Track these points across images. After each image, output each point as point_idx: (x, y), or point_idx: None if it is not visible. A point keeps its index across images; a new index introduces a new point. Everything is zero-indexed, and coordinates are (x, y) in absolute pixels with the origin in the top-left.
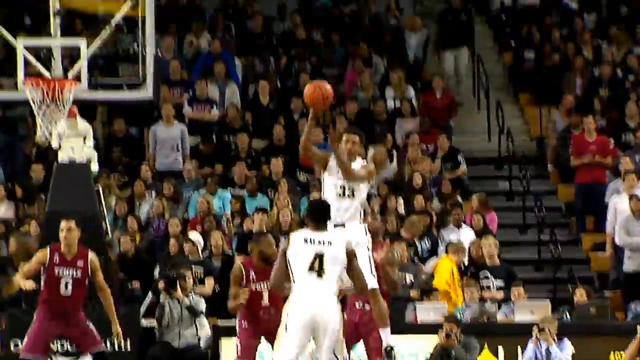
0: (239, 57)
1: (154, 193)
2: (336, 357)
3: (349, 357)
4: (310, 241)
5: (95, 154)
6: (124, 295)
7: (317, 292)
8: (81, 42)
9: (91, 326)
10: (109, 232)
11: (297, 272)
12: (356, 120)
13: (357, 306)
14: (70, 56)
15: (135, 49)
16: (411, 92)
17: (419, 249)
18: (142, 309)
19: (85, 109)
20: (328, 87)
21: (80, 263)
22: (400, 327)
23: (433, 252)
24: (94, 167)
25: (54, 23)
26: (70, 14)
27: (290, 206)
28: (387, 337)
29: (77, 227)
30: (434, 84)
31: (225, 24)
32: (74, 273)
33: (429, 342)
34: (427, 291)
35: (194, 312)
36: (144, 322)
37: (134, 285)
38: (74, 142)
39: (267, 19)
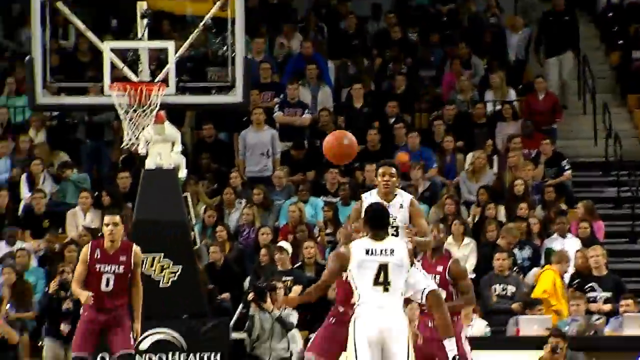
0: (332, 59)
1: (243, 201)
2: None
3: None
4: (372, 252)
5: (184, 160)
6: (213, 306)
7: (384, 308)
8: (169, 45)
9: (130, 328)
10: (198, 241)
11: (362, 287)
12: (454, 125)
13: (428, 324)
14: (158, 59)
15: (224, 52)
16: (512, 94)
17: (519, 259)
18: (232, 321)
19: (173, 113)
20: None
21: (122, 258)
22: (502, 341)
23: (534, 262)
24: (182, 173)
25: (141, 25)
26: (157, 15)
27: None
28: (451, 346)
29: (122, 223)
30: (536, 85)
31: (318, 25)
32: (116, 269)
33: (533, 357)
34: (530, 303)
35: (284, 325)
36: (234, 335)
37: (224, 297)
38: (162, 148)
39: (360, 19)
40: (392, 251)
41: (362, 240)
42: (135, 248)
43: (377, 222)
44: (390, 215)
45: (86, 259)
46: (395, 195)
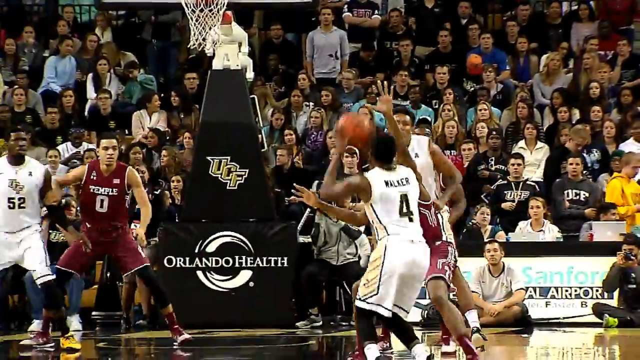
0: None
1: (311, 104)
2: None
3: None
4: (391, 184)
5: (251, 61)
6: (280, 210)
7: (414, 237)
8: None
9: (136, 246)
10: (265, 144)
11: (389, 219)
12: (528, 25)
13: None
14: None
15: None
16: None
17: (588, 162)
18: (299, 225)
19: (241, 14)
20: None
21: (116, 181)
22: (575, 247)
23: (604, 166)
24: (249, 75)
25: None
26: None
27: (456, 117)
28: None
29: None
30: None
31: None
32: (110, 191)
33: (606, 263)
34: (604, 208)
35: (350, 234)
36: (301, 239)
37: (291, 200)
38: (229, 49)
39: None
40: (407, 180)
41: (378, 172)
42: (130, 170)
43: (387, 153)
44: None
45: (81, 177)
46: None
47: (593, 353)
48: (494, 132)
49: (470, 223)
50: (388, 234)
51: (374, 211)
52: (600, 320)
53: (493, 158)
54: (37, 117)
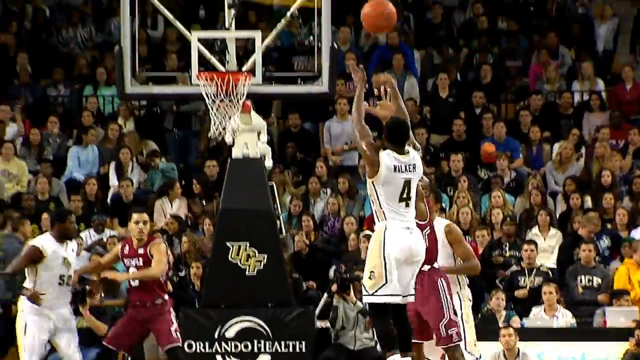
0: (418, 49)
1: (329, 190)
2: None
3: None
4: (399, 169)
5: (270, 149)
6: (299, 295)
7: (409, 224)
8: (256, 35)
9: (171, 321)
10: (283, 230)
11: (388, 203)
12: (541, 115)
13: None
14: (245, 49)
15: (310, 41)
16: (600, 84)
17: (599, 249)
18: (317, 310)
19: (259, 103)
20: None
21: (141, 251)
22: (589, 333)
23: (614, 252)
24: (268, 163)
25: (229, 15)
26: (244, 5)
27: (470, 204)
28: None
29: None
30: (623, 75)
31: (404, 15)
32: (137, 261)
33: (619, 349)
34: (617, 294)
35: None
36: (319, 324)
37: (309, 285)
38: (248, 138)
39: (447, 8)
40: (414, 166)
41: (390, 154)
42: (155, 241)
43: (400, 136)
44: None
45: (118, 254)
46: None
47: None
48: (508, 219)
49: (485, 308)
50: (386, 219)
51: (376, 191)
52: None
53: (507, 244)
54: (60, 205)
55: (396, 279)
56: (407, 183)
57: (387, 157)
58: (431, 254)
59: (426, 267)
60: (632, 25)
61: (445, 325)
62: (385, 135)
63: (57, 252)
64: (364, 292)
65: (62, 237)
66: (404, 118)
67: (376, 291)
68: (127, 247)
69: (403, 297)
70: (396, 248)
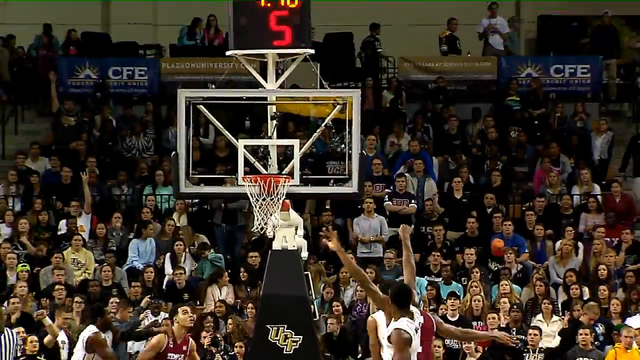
0: (436, 155)
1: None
2: None
3: None
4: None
5: (305, 242)
6: None
7: None
8: (294, 142)
9: None
10: (317, 314)
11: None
12: (544, 215)
13: None
14: (285, 154)
15: (342, 148)
16: (597, 189)
17: (596, 335)
18: None
19: (296, 202)
20: None
21: (184, 347)
22: None
23: (608, 338)
24: (304, 254)
25: (271, 125)
26: (285, 117)
27: (482, 293)
28: None
29: None
30: (613, 190)
31: (424, 126)
32: (180, 357)
33: None
34: None
35: None
36: None
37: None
38: (287, 232)
39: (462, 121)
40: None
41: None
42: (192, 341)
43: (405, 300)
44: None
45: (162, 346)
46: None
47: None
48: (515, 307)
49: None
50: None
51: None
52: None
53: (514, 329)
54: (122, 291)
55: None
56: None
57: (407, 325)
58: None
59: None
60: (627, 145)
61: None
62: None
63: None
64: None
65: (104, 328)
66: (411, 269)
67: None
68: (171, 342)
69: None
70: None
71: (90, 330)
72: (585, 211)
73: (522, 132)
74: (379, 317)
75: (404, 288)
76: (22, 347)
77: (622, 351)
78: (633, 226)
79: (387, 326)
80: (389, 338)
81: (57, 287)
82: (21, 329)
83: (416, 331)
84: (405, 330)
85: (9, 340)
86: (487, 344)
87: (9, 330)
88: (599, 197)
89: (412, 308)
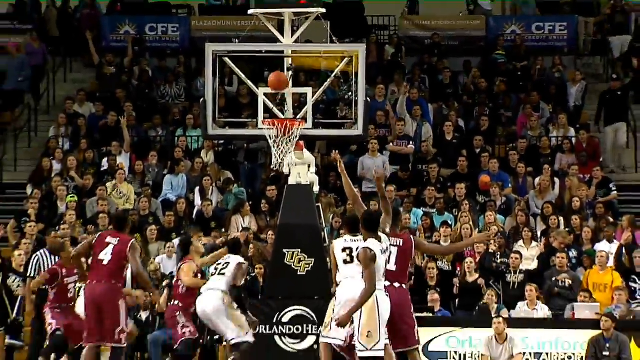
0: (431, 103)
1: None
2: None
3: None
4: (383, 250)
5: (317, 178)
6: None
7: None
8: (308, 91)
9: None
10: (327, 240)
11: (378, 275)
12: (525, 154)
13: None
14: (299, 101)
15: (349, 96)
16: (572, 132)
17: (570, 258)
18: None
19: (309, 143)
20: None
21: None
22: (562, 322)
23: (579, 262)
24: (316, 188)
25: (287, 75)
26: (298, 69)
27: (471, 222)
28: None
29: None
30: (579, 136)
31: (421, 77)
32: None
33: (585, 336)
34: (583, 292)
35: None
36: None
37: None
38: (301, 169)
39: (454, 73)
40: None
41: (374, 241)
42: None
43: (374, 225)
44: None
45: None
46: None
47: None
48: (499, 234)
49: (482, 303)
50: (377, 289)
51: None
52: None
53: (499, 253)
54: (157, 220)
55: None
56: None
57: (375, 245)
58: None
59: (397, 284)
60: (598, 99)
61: (417, 331)
62: (362, 225)
63: None
64: (360, 348)
65: None
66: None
67: (373, 347)
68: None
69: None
70: (386, 311)
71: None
72: (561, 151)
73: (503, 83)
74: (336, 242)
75: (372, 215)
76: None
77: (596, 271)
78: (603, 164)
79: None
80: (357, 256)
81: (100, 215)
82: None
83: (383, 251)
84: (370, 249)
85: None
86: (477, 266)
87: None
88: (573, 139)
89: (381, 234)
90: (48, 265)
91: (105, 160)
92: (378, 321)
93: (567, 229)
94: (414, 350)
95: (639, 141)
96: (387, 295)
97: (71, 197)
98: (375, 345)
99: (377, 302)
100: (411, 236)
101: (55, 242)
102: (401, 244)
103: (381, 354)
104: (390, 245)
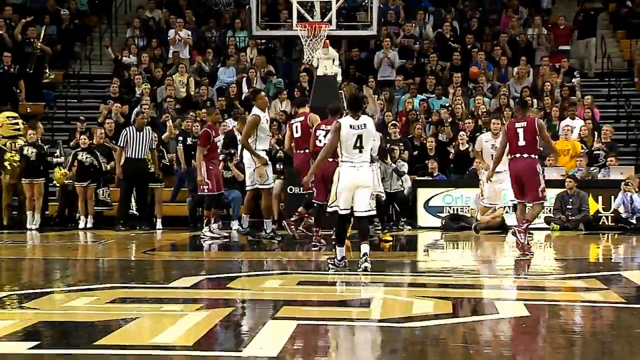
0: (434, 7)
1: (376, 96)
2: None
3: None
4: (353, 127)
5: (340, 70)
6: None
7: (358, 163)
8: None
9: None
10: None
11: (346, 149)
12: (509, 46)
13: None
14: (326, 6)
15: (366, 2)
16: (543, 30)
17: None
18: None
19: (334, 41)
20: None
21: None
22: None
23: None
24: (339, 78)
25: None
26: None
27: (463, 104)
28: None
29: None
30: (559, 22)
31: None
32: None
33: (554, 192)
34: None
35: (398, 173)
36: None
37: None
38: (327, 63)
39: None
40: (364, 125)
41: (347, 118)
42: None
43: (356, 105)
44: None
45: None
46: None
47: (543, 246)
48: (485, 113)
49: (471, 168)
50: (343, 161)
51: (340, 144)
52: (548, 226)
53: (485, 129)
54: (213, 103)
55: (343, 199)
56: (359, 137)
57: (345, 122)
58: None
59: (525, 155)
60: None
61: (542, 189)
62: (347, 105)
63: None
64: (329, 203)
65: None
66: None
67: (331, 204)
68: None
69: (344, 209)
70: (346, 179)
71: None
72: (538, 44)
73: None
74: (343, 121)
75: (356, 97)
76: (155, 139)
77: (562, 142)
78: (568, 54)
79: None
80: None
81: (168, 99)
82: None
83: (355, 127)
84: (338, 121)
85: (148, 134)
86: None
87: (148, 128)
88: (544, 35)
89: (364, 117)
90: (134, 139)
91: (171, 52)
92: (336, 187)
93: (539, 108)
94: (536, 205)
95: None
96: (353, 167)
97: (145, 84)
98: (332, 203)
99: (339, 174)
100: (536, 119)
101: (141, 121)
102: (526, 125)
103: (335, 210)
104: (518, 127)
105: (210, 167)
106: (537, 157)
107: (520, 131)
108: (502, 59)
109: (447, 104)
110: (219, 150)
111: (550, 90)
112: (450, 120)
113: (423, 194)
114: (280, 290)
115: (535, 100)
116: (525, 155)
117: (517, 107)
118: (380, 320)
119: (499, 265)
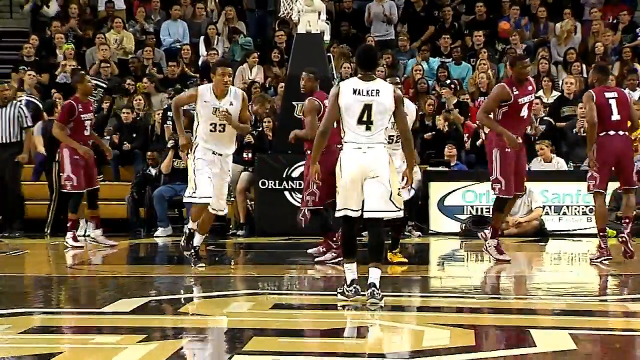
0: None
1: None
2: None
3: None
4: (359, 92)
5: (328, 26)
6: None
7: (366, 145)
8: None
9: None
10: None
11: (348, 124)
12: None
13: None
14: None
15: None
16: None
17: None
18: None
19: None
20: None
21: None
22: (582, 174)
23: None
24: (327, 37)
25: None
26: None
27: (489, 71)
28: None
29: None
30: None
31: None
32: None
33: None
34: None
35: None
36: None
37: None
38: (310, 17)
39: None
40: (377, 92)
41: (352, 80)
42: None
43: (367, 61)
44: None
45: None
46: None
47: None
48: None
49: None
50: (345, 142)
51: (341, 115)
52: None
53: None
54: (160, 69)
55: (350, 195)
56: (368, 108)
57: (348, 84)
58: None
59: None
60: None
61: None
62: (357, 60)
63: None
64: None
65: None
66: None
67: (340, 209)
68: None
69: (358, 210)
70: (349, 169)
71: None
72: None
73: None
74: (344, 85)
75: (369, 50)
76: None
77: None
78: (634, 6)
79: None
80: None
81: (102, 64)
82: None
83: (363, 92)
84: (338, 85)
85: (14, 110)
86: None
87: (17, 102)
88: None
89: (379, 81)
90: None
91: (102, 5)
92: (340, 182)
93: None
94: (632, 190)
95: None
96: (359, 149)
97: (68, 45)
98: (341, 206)
99: (340, 161)
100: (624, 90)
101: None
102: (617, 96)
103: (347, 213)
104: (609, 98)
105: (76, 157)
106: None
107: (613, 102)
108: (541, 11)
109: (467, 72)
110: (87, 132)
111: (604, 53)
112: (455, 101)
113: (437, 189)
114: (249, 316)
115: (583, 66)
116: (621, 133)
117: (596, 74)
118: (378, 356)
119: (534, 284)
